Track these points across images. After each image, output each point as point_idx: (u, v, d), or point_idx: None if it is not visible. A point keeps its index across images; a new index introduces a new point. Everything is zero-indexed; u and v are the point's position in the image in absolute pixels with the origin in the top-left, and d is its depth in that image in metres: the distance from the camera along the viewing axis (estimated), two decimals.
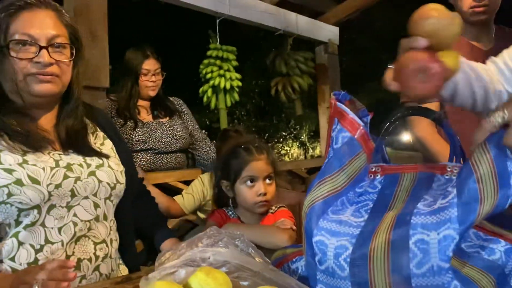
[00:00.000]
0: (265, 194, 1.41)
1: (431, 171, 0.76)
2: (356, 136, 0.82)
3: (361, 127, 0.82)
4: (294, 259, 0.90)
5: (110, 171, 1.15)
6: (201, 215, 2.30)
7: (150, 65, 2.33)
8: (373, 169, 0.81)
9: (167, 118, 2.40)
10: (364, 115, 0.86)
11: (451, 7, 1.58)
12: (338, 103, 0.83)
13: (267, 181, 1.44)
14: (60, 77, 1.06)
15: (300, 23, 3.37)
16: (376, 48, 9.06)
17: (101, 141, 1.21)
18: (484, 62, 1.49)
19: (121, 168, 1.20)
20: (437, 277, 0.64)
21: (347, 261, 0.71)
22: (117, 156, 1.22)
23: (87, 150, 1.13)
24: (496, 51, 1.52)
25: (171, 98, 2.53)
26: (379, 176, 0.81)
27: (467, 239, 0.70)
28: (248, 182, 1.42)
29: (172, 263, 0.79)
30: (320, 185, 0.81)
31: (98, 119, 1.26)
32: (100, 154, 1.15)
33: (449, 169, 0.74)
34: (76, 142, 1.12)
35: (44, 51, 1.02)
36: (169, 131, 2.33)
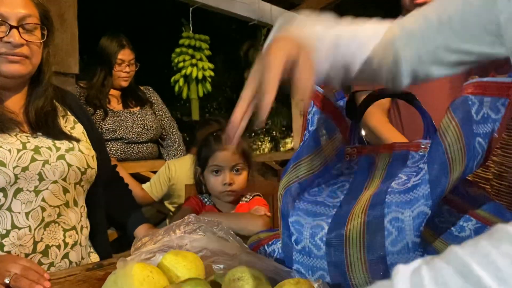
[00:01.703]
0: (230, 184, 1.40)
1: (406, 149, 0.77)
2: (332, 118, 0.81)
3: (337, 109, 0.82)
4: (270, 242, 0.89)
5: (81, 155, 1.11)
6: (170, 207, 2.29)
7: (125, 55, 2.30)
8: (349, 151, 0.81)
9: (138, 108, 2.37)
10: (340, 97, 0.86)
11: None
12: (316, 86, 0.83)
13: (234, 171, 1.42)
14: (30, 58, 1.04)
15: (275, 14, 3.37)
16: None
17: (71, 124, 1.18)
18: None
19: (92, 153, 1.17)
20: (411, 254, 0.65)
21: (323, 240, 0.71)
22: (88, 140, 1.19)
23: (57, 133, 1.09)
24: None
25: (142, 88, 2.49)
26: (355, 157, 0.81)
27: (440, 215, 0.70)
28: (214, 172, 1.41)
29: (148, 248, 0.78)
30: (296, 167, 0.80)
31: (69, 103, 1.22)
32: (70, 137, 1.11)
33: (423, 146, 0.75)
34: (45, 124, 1.08)
35: (14, 30, 0.99)
36: (140, 121, 2.31)
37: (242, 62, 3.68)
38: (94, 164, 1.15)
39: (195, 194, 1.53)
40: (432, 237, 0.68)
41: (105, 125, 2.20)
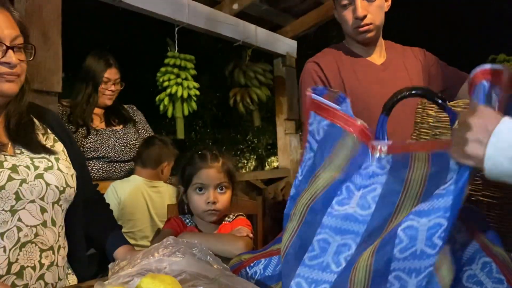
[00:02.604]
0: (214, 202, 1.39)
1: (445, 149, 0.69)
2: (337, 121, 0.79)
3: (340, 111, 0.80)
4: (251, 264, 0.88)
5: (60, 174, 1.10)
6: None
7: (111, 74, 2.30)
8: (379, 146, 0.77)
9: (121, 126, 2.36)
10: (342, 99, 0.84)
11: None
12: (314, 95, 0.82)
13: (219, 190, 1.42)
14: (20, 76, 1.07)
15: (259, 35, 3.41)
16: None
17: (51, 143, 1.17)
18: (380, 76, 1.58)
19: (72, 171, 1.16)
20: (417, 261, 0.62)
21: (347, 260, 0.70)
22: (68, 159, 1.18)
23: (36, 145, 1.09)
24: (389, 63, 1.62)
25: (125, 106, 2.49)
26: (386, 154, 0.76)
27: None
28: (198, 190, 1.40)
29: (126, 272, 0.77)
30: (315, 180, 0.77)
31: (50, 121, 1.22)
32: (49, 151, 1.11)
33: None
34: (24, 136, 1.09)
35: (10, 51, 1.02)
36: (123, 139, 2.29)
37: (227, 81, 3.71)
38: (73, 183, 1.14)
39: (177, 215, 1.51)
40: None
41: (87, 143, 2.18)
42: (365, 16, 1.51)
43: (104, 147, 2.21)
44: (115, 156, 2.24)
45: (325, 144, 0.79)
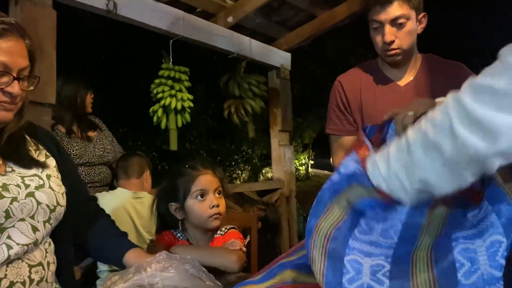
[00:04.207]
0: (217, 206, 1.40)
1: (464, 197, 0.69)
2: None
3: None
4: None
5: (51, 192, 1.09)
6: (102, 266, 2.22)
7: (89, 100, 2.46)
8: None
9: (95, 133, 2.49)
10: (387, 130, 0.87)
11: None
12: (363, 135, 0.85)
13: (217, 194, 1.43)
14: (17, 105, 1.06)
15: (254, 48, 3.43)
16: (326, 74, 9.35)
17: (43, 159, 1.16)
18: (400, 98, 1.57)
19: (63, 189, 1.14)
20: (487, 287, 0.59)
21: (386, 275, 0.70)
22: (59, 176, 1.17)
23: (27, 162, 1.08)
24: (413, 84, 1.61)
25: (89, 117, 2.60)
26: None
27: None
28: (199, 197, 1.40)
29: (119, 287, 0.76)
30: (331, 211, 0.78)
31: (42, 137, 1.21)
32: (40, 165, 1.10)
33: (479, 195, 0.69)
34: (16, 151, 1.08)
35: (15, 82, 1.01)
36: (100, 144, 2.45)
37: (222, 92, 3.72)
38: (63, 201, 1.13)
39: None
40: None
41: (73, 150, 2.30)
42: (392, 42, 1.52)
43: (87, 153, 2.35)
44: (96, 160, 2.39)
45: (348, 179, 0.79)
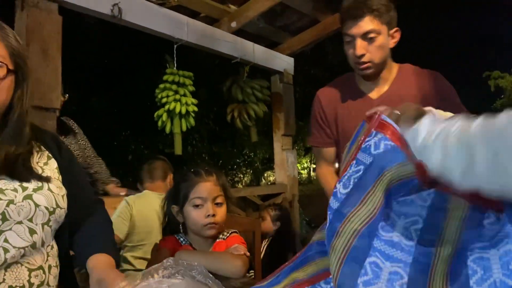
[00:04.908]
0: (213, 215, 1.40)
1: (483, 204, 0.69)
2: (402, 147, 0.79)
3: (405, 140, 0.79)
4: None
5: (50, 195, 1.07)
6: (132, 260, 2.28)
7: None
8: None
9: (63, 137, 2.45)
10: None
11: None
12: (383, 116, 0.85)
13: (216, 203, 1.43)
14: None
15: (257, 52, 3.45)
16: (328, 79, 9.33)
17: (44, 160, 1.14)
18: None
19: (63, 191, 1.12)
20: None
21: (403, 287, 0.70)
22: (60, 178, 1.15)
23: (27, 175, 1.05)
24: (386, 96, 1.62)
25: (62, 118, 2.54)
26: (428, 188, 0.76)
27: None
28: (196, 204, 1.41)
29: None
30: (365, 203, 0.76)
31: (46, 140, 1.19)
32: (40, 178, 1.07)
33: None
34: (14, 167, 1.04)
35: None
36: None
37: (225, 96, 3.73)
38: (64, 203, 1.11)
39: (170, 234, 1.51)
40: None
41: None
42: (363, 55, 1.54)
43: None
44: None
45: (383, 159, 0.79)
